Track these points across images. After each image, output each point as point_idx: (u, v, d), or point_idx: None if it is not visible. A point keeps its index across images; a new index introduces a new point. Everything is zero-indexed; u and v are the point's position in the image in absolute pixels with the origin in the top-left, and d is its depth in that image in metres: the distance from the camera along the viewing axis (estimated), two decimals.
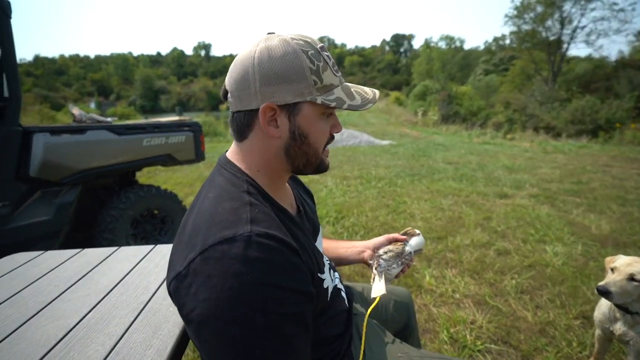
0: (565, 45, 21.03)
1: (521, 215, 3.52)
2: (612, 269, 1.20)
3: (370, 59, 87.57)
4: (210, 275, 0.47)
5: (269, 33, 0.64)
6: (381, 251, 0.92)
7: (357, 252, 0.96)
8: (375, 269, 0.89)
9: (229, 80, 0.61)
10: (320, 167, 0.68)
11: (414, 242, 0.94)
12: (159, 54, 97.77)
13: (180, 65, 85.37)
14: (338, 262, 0.98)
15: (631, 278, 1.13)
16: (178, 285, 0.51)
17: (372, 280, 0.88)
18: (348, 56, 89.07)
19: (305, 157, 0.64)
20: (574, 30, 20.66)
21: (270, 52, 0.58)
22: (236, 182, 0.61)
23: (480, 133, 11.50)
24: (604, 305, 1.32)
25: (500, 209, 3.76)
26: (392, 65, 78.34)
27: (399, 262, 0.90)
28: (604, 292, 1.14)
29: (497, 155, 7.41)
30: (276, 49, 0.58)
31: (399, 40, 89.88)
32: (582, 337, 1.68)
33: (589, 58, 21.88)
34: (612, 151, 8.27)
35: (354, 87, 0.66)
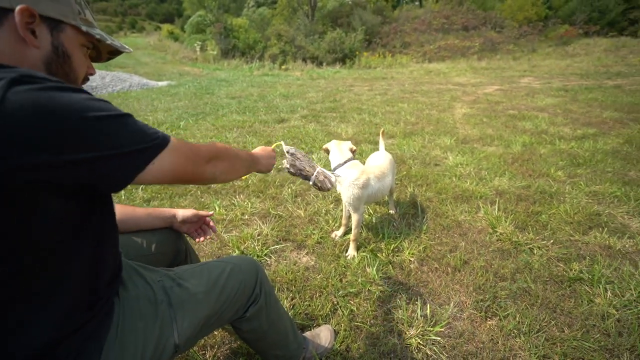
0: None
1: (295, 134, 4.04)
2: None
3: None
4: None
5: None
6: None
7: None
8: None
9: None
10: None
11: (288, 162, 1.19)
12: None
13: None
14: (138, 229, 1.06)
15: (327, 151, 1.62)
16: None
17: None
18: None
19: (66, 79, 0.66)
20: None
21: None
22: None
23: (259, 66, 12.01)
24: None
25: (279, 132, 4.18)
26: None
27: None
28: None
29: (275, 85, 8.03)
30: None
31: None
32: (335, 214, 2.19)
33: None
34: (354, 74, 10.62)
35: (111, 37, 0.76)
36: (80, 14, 0.67)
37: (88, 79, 0.75)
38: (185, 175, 0.68)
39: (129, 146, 0.57)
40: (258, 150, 1.05)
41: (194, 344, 0.93)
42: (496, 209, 2.22)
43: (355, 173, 1.70)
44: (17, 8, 0.57)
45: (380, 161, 1.96)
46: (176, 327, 0.78)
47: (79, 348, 0.63)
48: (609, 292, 1.51)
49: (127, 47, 0.80)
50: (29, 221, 0.54)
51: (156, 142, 0.62)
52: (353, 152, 1.77)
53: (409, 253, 1.79)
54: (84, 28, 0.67)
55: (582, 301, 1.48)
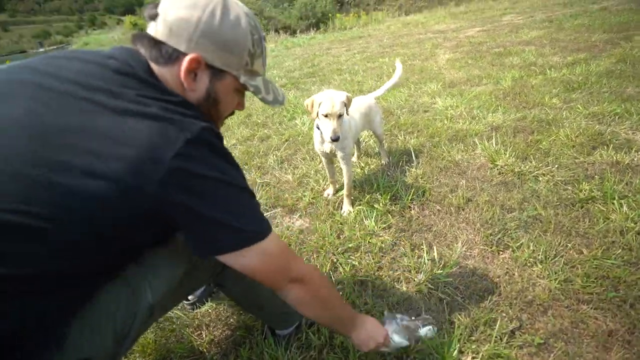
0: None
1: None
2: (326, 115, 1.41)
3: None
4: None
5: None
6: (399, 316, 0.98)
7: None
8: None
9: (170, 8, 0.61)
10: None
11: (426, 332, 1.00)
12: None
13: None
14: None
15: (339, 115, 1.41)
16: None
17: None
18: None
19: (208, 117, 0.69)
20: None
21: (225, 15, 0.62)
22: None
23: None
24: (315, 136, 1.59)
25: (259, 104, 3.94)
26: None
27: (406, 337, 0.95)
28: (337, 139, 1.40)
29: None
30: (231, 14, 0.63)
31: None
32: (325, 173, 2.04)
33: None
34: (330, 38, 10.16)
35: (271, 84, 0.78)
36: (247, 65, 0.68)
37: (234, 113, 0.79)
38: (262, 281, 0.70)
39: (239, 223, 0.62)
40: (369, 322, 0.90)
41: (175, 305, 0.88)
42: (494, 143, 2.08)
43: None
44: (189, 57, 0.61)
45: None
46: (149, 286, 0.69)
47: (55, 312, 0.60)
48: (624, 207, 1.41)
49: (278, 100, 0.78)
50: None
51: (256, 235, 0.64)
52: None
53: (407, 199, 1.66)
54: (242, 79, 0.69)
55: (597, 220, 1.38)
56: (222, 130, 2.87)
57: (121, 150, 0.53)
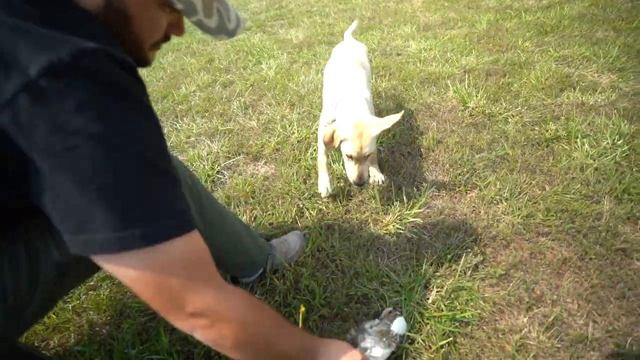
0: None
1: (240, 48, 3.51)
2: (351, 157, 1.09)
3: None
4: None
5: None
6: (367, 325, 0.83)
7: None
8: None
9: None
10: (139, 63, 0.54)
11: (399, 325, 0.82)
12: None
13: None
14: None
15: (366, 156, 1.10)
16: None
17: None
18: None
19: (123, 43, 0.49)
20: None
21: None
22: None
23: None
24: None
25: (221, 48, 3.62)
26: None
27: (385, 342, 0.80)
28: (362, 184, 1.14)
29: None
30: None
31: None
32: (291, 117, 1.92)
33: None
34: None
35: (220, 4, 0.55)
36: None
37: (169, 39, 0.57)
38: (151, 304, 0.48)
39: (118, 209, 0.41)
40: (334, 347, 0.65)
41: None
42: (466, 86, 2.02)
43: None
44: None
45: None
46: (53, 241, 0.55)
47: None
48: (586, 145, 1.43)
49: (226, 28, 0.56)
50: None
51: (147, 234, 0.43)
52: None
53: (377, 143, 1.60)
54: None
55: (560, 158, 1.39)
56: (179, 75, 2.58)
57: None
